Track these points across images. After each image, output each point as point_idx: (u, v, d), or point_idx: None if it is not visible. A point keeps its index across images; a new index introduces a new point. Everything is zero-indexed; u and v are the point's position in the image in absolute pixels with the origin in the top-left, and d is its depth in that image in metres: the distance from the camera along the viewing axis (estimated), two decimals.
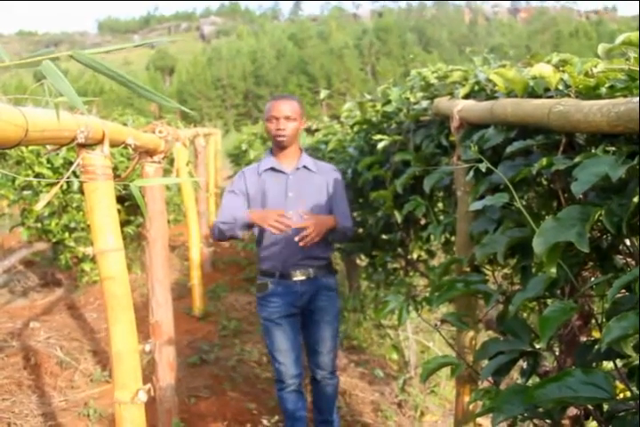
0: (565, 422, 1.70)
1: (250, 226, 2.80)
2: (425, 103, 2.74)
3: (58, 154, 4.44)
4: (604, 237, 1.48)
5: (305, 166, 2.91)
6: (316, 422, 3.13)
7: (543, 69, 1.65)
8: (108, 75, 0.98)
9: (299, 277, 2.86)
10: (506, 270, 2.19)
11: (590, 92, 1.51)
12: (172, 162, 5.30)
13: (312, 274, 2.88)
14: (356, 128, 3.87)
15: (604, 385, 1.14)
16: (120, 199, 4.89)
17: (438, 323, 2.06)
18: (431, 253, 3.66)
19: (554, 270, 1.34)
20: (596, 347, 1.45)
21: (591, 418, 1.56)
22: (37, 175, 4.50)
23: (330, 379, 3.04)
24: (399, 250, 3.70)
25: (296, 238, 2.68)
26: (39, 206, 1.42)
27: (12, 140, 1.08)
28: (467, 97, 2.27)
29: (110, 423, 3.23)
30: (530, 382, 1.56)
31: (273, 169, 2.90)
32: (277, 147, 2.90)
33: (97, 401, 3.49)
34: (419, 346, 4.32)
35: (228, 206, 2.87)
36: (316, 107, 58.97)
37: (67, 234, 4.86)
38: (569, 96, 1.55)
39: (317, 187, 2.90)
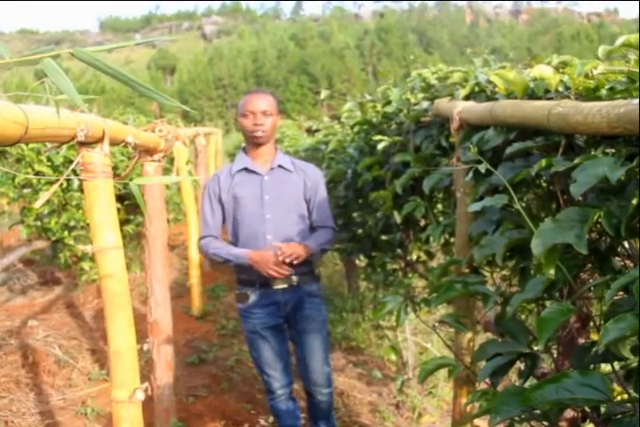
0: (562, 424, 1.70)
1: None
2: (425, 104, 2.75)
3: (58, 152, 4.44)
4: (603, 239, 1.48)
5: (280, 166, 2.74)
6: None
7: (543, 71, 1.65)
8: (109, 73, 0.98)
9: (280, 285, 2.68)
10: (504, 272, 2.19)
11: (590, 94, 1.51)
12: (172, 161, 5.30)
13: (294, 282, 2.70)
14: (356, 129, 3.88)
15: (601, 387, 1.15)
16: (120, 198, 4.90)
17: (437, 324, 2.06)
18: (430, 255, 3.65)
19: (552, 272, 1.34)
20: (594, 349, 1.45)
21: (588, 420, 1.57)
22: (37, 173, 4.50)
23: (325, 395, 2.87)
24: (398, 251, 3.70)
25: (280, 258, 2.52)
26: (38, 204, 1.42)
27: (13, 137, 1.09)
28: (467, 98, 2.27)
29: (108, 422, 3.23)
30: (527, 384, 1.56)
31: (247, 170, 2.73)
32: (253, 145, 2.72)
33: (95, 400, 3.49)
34: (417, 347, 4.32)
35: (210, 217, 2.74)
36: (316, 107, 58.99)
37: (66, 232, 4.86)
38: (569, 98, 1.55)
39: (295, 188, 2.74)
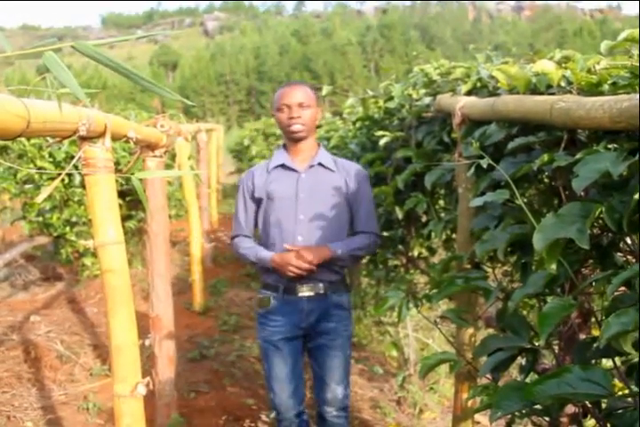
0: (563, 419, 1.70)
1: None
2: (427, 100, 2.74)
3: (60, 148, 4.44)
4: (605, 234, 1.48)
5: (321, 164, 2.54)
6: None
7: (545, 66, 1.65)
8: (111, 66, 0.97)
9: (306, 292, 2.46)
10: (506, 267, 2.19)
11: (592, 89, 1.51)
12: (173, 157, 5.30)
13: (322, 290, 2.47)
14: (358, 124, 3.87)
15: (602, 382, 1.15)
16: (121, 194, 4.89)
17: (438, 319, 2.07)
18: (432, 251, 3.66)
19: (554, 267, 1.34)
20: (595, 344, 1.45)
21: (589, 416, 1.57)
22: (39, 169, 4.51)
23: (338, 417, 2.58)
24: (400, 247, 3.70)
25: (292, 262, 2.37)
26: (40, 199, 1.43)
27: (14, 131, 1.09)
28: (469, 93, 2.27)
29: (109, 417, 3.24)
30: (528, 380, 1.57)
31: (284, 166, 2.53)
32: (291, 140, 2.54)
33: (96, 395, 3.50)
34: (418, 343, 4.33)
35: (242, 216, 2.61)
36: (318, 103, 58.85)
37: (68, 228, 4.87)
38: (571, 93, 1.55)
39: (334, 188, 2.51)
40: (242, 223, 2.62)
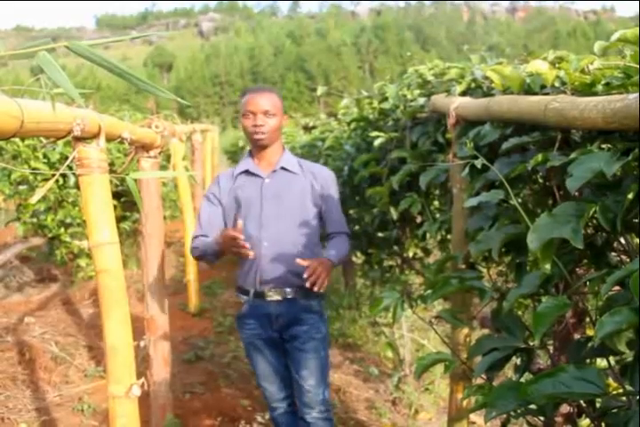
0: (558, 419, 1.71)
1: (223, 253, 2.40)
2: (422, 100, 2.75)
3: (54, 149, 4.43)
4: (599, 233, 1.49)
5: (283, 168, 2.55)
6: None
7: (539, 66, 1.65)
8: (105, 66, 0.97)
9: (273, 297, 2.49)
10: (501, 268, 2.20)
11: (586, 89, 1.51)
12: (168, 158, 5.30)
13: (289, 294, 2.49)
14: (352, 125, 3.87)
15: (596, 381, 1.15)
16: (116, 195, 4.89)
17: (433, 320, 2.07)
18: (427, 251, 3.66)
19: (548, 267, 1.34)
20: (590, 344, 1.45)
21: (584, 415, 1.57)
22: (33, 170, 4.50)
23: (318, 419, 2.56)
24: (395, 248, 3.70)
25: (307, 284, 2.24)
26: (34, 199, 1.42)
27: (8, 131, 1.08)
28: (463, 94, 2.28)
29: (104, 419, 3.23)
30: (523, 379, 1.57)
31: (248, 172, 2.56)
32: (256, 146, 2.55)
33: (91, 396, 3.49)
34: (413, 344, 4.32)
35: (204, 219, 2.58)
36: (313, 104, 59.04)
37: (62, 229, 4.86)
38: (565, 93, 1.55)
39: (299, 191, 2.54)
40: (203, 226, 2.57)
